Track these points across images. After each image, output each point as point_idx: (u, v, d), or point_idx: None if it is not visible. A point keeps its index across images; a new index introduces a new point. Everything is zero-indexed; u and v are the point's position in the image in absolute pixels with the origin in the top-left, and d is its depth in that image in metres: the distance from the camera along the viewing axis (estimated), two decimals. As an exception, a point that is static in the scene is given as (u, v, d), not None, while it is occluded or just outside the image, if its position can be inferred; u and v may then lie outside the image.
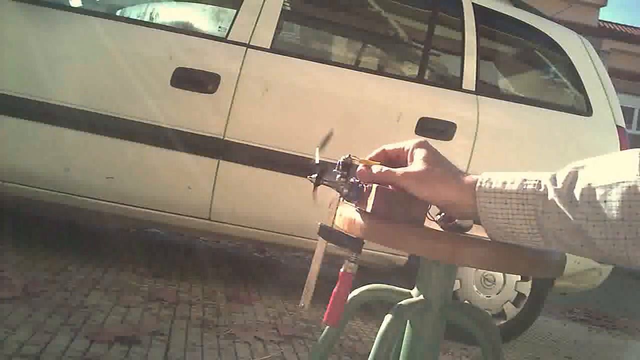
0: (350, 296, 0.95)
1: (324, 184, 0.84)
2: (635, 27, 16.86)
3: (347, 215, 0.80)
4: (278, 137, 2.68)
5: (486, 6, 3.07)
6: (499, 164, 2.89)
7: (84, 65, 2.63)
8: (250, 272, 3.52)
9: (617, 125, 3.02)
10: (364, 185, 0.79)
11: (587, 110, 3.04)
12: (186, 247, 3.94)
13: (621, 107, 3.12)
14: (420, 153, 0.74)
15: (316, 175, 0.86)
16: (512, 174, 0.68)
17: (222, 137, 2.63)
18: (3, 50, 2.57)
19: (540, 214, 0.63)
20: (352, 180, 0.81)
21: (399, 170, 0.73)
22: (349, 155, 0.84)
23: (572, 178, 0.62)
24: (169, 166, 2.63)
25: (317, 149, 0.90)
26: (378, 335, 0.85)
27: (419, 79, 2.98)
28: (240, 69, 2.67)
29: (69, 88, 2.59)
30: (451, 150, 2.82)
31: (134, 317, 2.19)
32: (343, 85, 2.83)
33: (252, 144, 2.65)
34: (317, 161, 0.87)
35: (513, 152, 2.93)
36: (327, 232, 0.82)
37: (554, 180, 0.64)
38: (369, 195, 0.76)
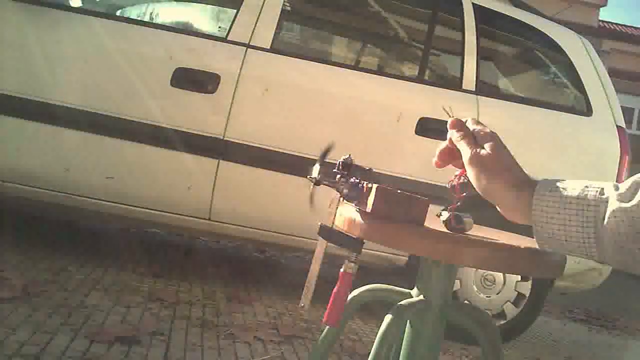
0: (350, 296, 0.95)
1: (324, 184, 0.84)
2: (635, 27, 16.88)
3: (347, 215, 0.80)
4: (278, 137, 2.68)
5: (486, 6, 3.07)
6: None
7: (84, 65, 2.63)
8: (250, 272, 3.52)
9: (617, 125, 3.02)
10: (364, 186, 0.78)
11: (587, 110, 3.04)
12: (186, 247, 3.94)
13: (621, 107, 3.12)
14: (490, 141, 0.73)
15: (316, 175, 0.86)
16: (572, 181, 0.66)
17: (222, 137, 2.63)
18: (3, 50, 2.57)
19: (600, 221, 0.60)
20: (352, 180, 0.80)
21: (472, 150, 0.72)
22: (349, 156, 0.84)
23: (637, 185, 0.60)
24: (169, 166, 2.63)
25: (317, 164, 0.90)
26: (378, 335, 0.84)
27: (419, 79, 2.98)
28: (240, 69, 2.67)
29: (69, 88, 2.59)
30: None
31: (134, 317, 2.19)
32: (343, 85, 2.83)
33: (252, 144, 2.65)
34: (315, 175, 0.86)
35: (513, 153, 2.91)
36: (327, 232, 0.82)
37: (616, 187, 0.62)
38: (368, 195, 0.76)
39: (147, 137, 2.59)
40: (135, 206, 2.63)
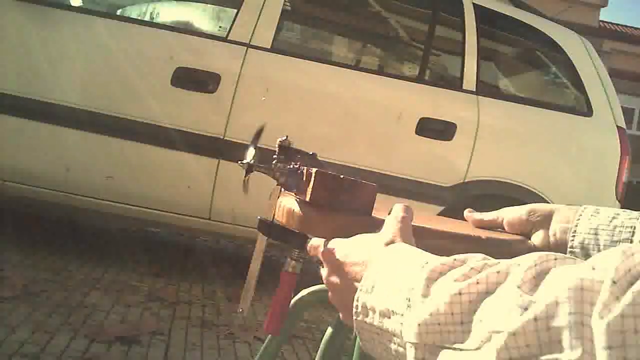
0: (293, 300, 0.83)
1: (258, 171, 0.74)
2: (635, 28, 16.88)
3: (285, 206, 0.70)
4: (278, 136, 2.67)
5: (487, 6, 3.07)
6: (499, 165, 2.89)
7: (84, 64, 2.63)
8: (250, 271, 3.51)
9: (617, 126, 3.02)
10: (304, 171, 0.69)
11: (587, 111, 3.04)
12: (186, 247, 3.94)
13: (621, 107, 3.12)
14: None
15: (248, 161, 0.75)
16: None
17: (222, 137, 2.63)
18: (4, 50, 2.57)
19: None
20: (290, 166, 0.71)
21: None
22: (286, 137, 0.75)
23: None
24: (169, 166, 2.63)
25: (251, 147, 0.80)
26: (322, 343, 0.75)
27: (419, 79, 2.98)
28: (241, 68, 2.67)
29: (69, 87, 2.59)
30: (451, 150, 2.83)
31: (134, 316, 2.19)
32: (343, 85, 2.83)
33: (252, 144, 2.65)
34: (247, 160, 0.76)
35: (513, 153, 2.93)
36: (267, 227, 0.72)
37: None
38: (309, 183, 0.66)
39: (147, 136, 2.59)
40: (136, 206, 2.63)
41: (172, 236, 4.06)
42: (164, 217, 2.67)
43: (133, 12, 3.10)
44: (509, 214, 0.74)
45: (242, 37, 2.72)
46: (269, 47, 2.73)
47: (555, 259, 0.37)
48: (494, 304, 0.36)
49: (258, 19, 2.75)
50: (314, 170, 0.66)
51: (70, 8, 2.79)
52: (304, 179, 0.67)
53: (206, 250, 4.01)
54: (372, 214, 0.67)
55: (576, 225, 0.69)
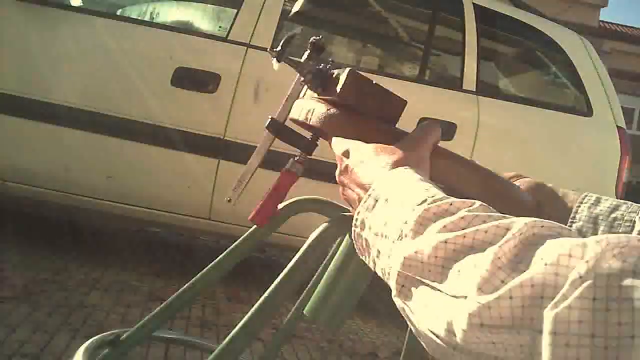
0: (287, 202, 0.85)
1: (286, 62, 0.73)
2: (635, 28, 16.89)
3: (307, 104, 0.68)
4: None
5: (487, 6, 3.07)
6: (499, 165, 2.88)
7: (84, 64, 2.63)
8: (251, 272, 3.51)
9: (617, 126, 3.02)
10: (332, 73, 0.67)
11: (587, 111, 3.04)
12: (186, 247, 3.94)
13: (622, 107, 3.12)
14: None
15: (280, 49, 0.74)
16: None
17: (222, 137, 2.63)
18: (4, 50, 2.57)
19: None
20: (320, 66, 0.69)
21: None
22: (321, 37, 0.73)
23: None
24: (169, 166, 2.63)
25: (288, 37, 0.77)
26: (310, 238, 0.78)
27: (419, 79, 2.98)
28: (241, 68, 2.67)
29: (69, 87, 2.59)
30: (451, 150, 2.83)
31: (134, 316, 2.19)
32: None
33: (252, 144, 2.64)
34: (279, 48, 0.75)
35: (513, 153, 2.93)
36: (277, 126, 0.72)
37: None
38: (336, 84, 0.64)
39: (147, 136, 2.59)
40: (136, 205, 2.63)
41: (172, 236, 4.06)
42: (164, 217, 2.67)
43: (133, 12, 3.10)
44: (517, 183, 0.75)
45: (242, 37, 2.72)
46: (269, 47, 2.73)
47: (542, 227, 0.39)
48: (473, 266, 0.39)
49: (258, 19, 2.75)
50: (347, 68, 0.64)
51: (70, 8, 2.79)
52: (332, 80, 0.66)
53: (206, 250, 4.01)
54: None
55: (576, 212, 0.70)
